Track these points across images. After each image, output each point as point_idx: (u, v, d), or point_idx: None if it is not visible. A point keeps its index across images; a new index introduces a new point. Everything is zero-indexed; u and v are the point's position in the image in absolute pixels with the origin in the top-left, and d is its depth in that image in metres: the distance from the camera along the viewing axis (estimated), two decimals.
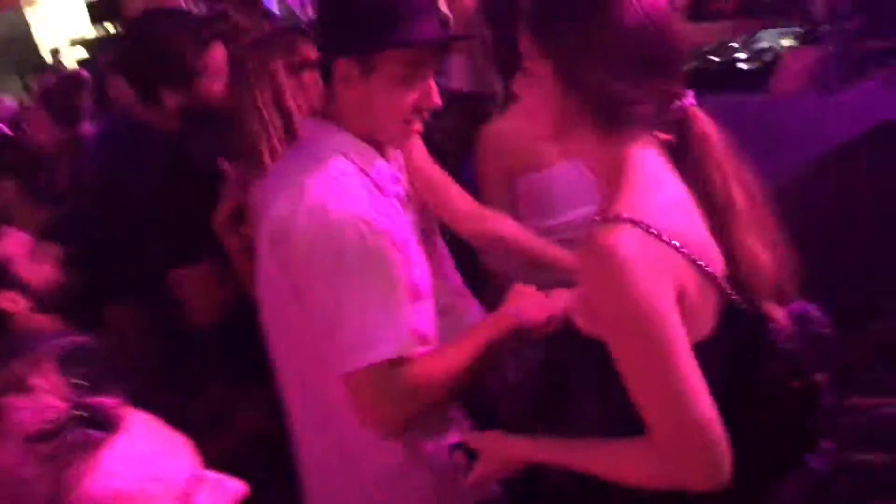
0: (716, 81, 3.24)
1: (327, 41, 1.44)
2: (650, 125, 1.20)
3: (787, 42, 3.23)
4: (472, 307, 1.94)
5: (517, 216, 2.05)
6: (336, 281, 1.32)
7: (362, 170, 1.43)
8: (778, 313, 1.23)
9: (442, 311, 1.59)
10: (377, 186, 1.44)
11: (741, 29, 3.47)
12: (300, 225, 1.34)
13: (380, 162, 1.47)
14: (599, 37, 1.15)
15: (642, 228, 1.10)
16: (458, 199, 1.90)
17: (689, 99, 1.21)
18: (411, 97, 1.42)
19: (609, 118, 1.18)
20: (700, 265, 1.14)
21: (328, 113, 1.48)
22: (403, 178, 1.58)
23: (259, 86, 1.70)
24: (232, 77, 1.86)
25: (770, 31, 3.32)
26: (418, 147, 1.83)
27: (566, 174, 2.03)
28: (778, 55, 3.18)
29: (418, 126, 1.46)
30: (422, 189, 1.81)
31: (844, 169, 2.81)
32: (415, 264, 1.46)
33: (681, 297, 1.11)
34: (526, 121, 1.28)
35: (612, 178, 1.19)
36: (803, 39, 3.19)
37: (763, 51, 3.23)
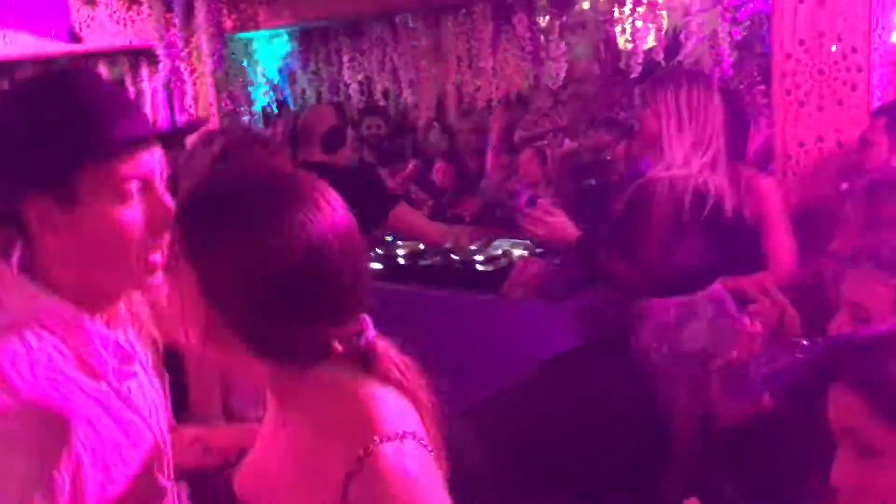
0: (455, 280, 3.43)
1: (2, 182, 1.07)
2: (324, 357, 1.04)
3: (518, 252, 3.51)
4: None
5: None
6: None
7: (64, 342, 1.08)
8: None
9: None
10: (84, 367, 1.09)
11: (480, 234, 3.74)
12: None
13: (97, 329, 1.12)
14: (247, 267, 0.98)
15: (416, 441, 1.01)
16: None
17: (370, 332, 1.06)
18: (135, 220, 1.09)
19: (264, 351, 1.03)
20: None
21: (29, 269, 1.11)
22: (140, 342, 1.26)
23: None
24: None
25: (504, 239, 3.61)
26: None
27: None
28: (511, 262, 3.43)
29: (155, 256, 1.12)
30: None
31: (563, 378, 3.00)
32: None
33: None
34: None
35: (302, 394, 1.05)
36: (532, 251, 3.49)
37: (498, 256, 3.47)
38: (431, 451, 1.03)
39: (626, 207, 2.69)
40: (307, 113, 3.71)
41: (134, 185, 1.08)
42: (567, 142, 3.73)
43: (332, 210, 1.03)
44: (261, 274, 0.98)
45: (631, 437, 2.80)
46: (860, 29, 2.84)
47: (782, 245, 2.72)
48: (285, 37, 4.43)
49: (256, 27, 4.16)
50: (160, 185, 1.12)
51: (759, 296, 2.11)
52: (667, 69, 3.19)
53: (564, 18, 3.53)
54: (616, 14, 3.38)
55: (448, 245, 3.40)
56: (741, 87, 3.21)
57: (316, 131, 3.33)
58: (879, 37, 2.90)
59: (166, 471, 1.22)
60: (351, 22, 4.18)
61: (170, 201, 1.11)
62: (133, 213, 1.09)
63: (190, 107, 4.51)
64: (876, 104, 2.89)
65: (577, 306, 3.12)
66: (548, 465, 2.56)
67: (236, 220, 1.01)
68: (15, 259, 1.10)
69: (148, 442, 1.16)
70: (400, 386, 1.06)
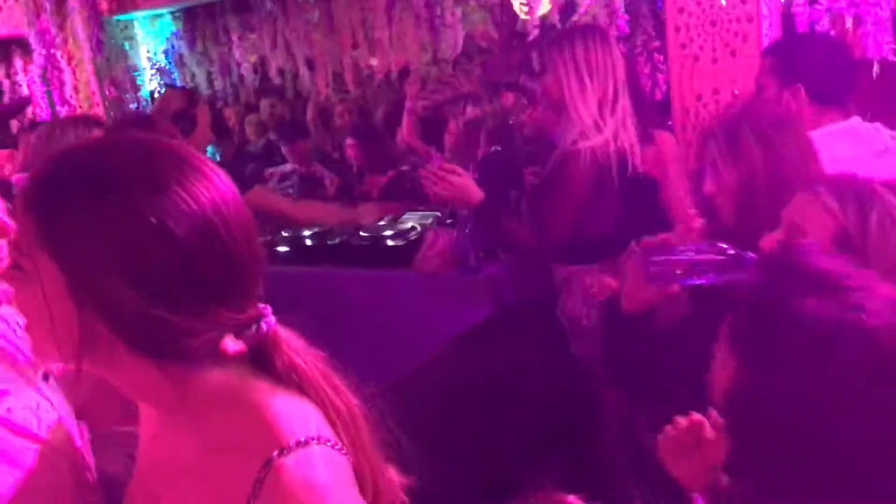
0: (365, 258, 3.34)
1: None
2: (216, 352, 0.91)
3: (429, 223, 3.45)
4: None
5: None
6: None
7: None
8: None
9: None
10: None
11: (388, 210, 3.66)
12: None
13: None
14: (141, 245, 0.83)
15: (323, 445, 0.90)
16: None
17: (270, 318, 0.94)
18: None
19: (150, 349, 0.88)
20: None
21: None
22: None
23: None
24: None
25: (414, 212, 3.54)
26: None
27: None
28: (421, 235, 3.36)
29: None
30: None
31: (480, 351, 2.96)
32: None
33: None
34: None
35: (191, 407, 0.92)
36: (443, 222, 3.43)
37: (407, 231, 3.40)
38: (341, 451, 0.92)
39: (547, 178, 2.67)
40: (157, 100, 3.63)
41: None
42: (469, 109, 3.69)
43: (218, 179, 0.90)
44: (144, 250, 0.83)
45: (555, 402, 2.79)
46: None
47: (682, 200, 2.74)
48: (168, 17, 4.21)
49: (135, 7, 3.93)
50: None
51: None
52: (560, 30, 3.16)
53: None
54: None
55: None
56: (637, 44, 3.22)
57: (164, 116, 3.27)
58: None
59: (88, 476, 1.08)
60: None
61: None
62: None
63: (71, 97, 4.23)
64: None
65: (491, 276, 3.09)
66: (469, 436, 2.53)
67: (107, 189, 0.84)
68: None
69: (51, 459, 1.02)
70: (300, 388, 0.93)
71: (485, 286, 3.10)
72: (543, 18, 3.32)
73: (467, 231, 3.12)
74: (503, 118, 3.67)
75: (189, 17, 4.17)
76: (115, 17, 4.10)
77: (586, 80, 2.55)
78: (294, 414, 0.90)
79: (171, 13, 4.16)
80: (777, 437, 1.02)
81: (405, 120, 4.19)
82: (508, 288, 3.14)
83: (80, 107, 4.22)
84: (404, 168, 4.05)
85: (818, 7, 2.90)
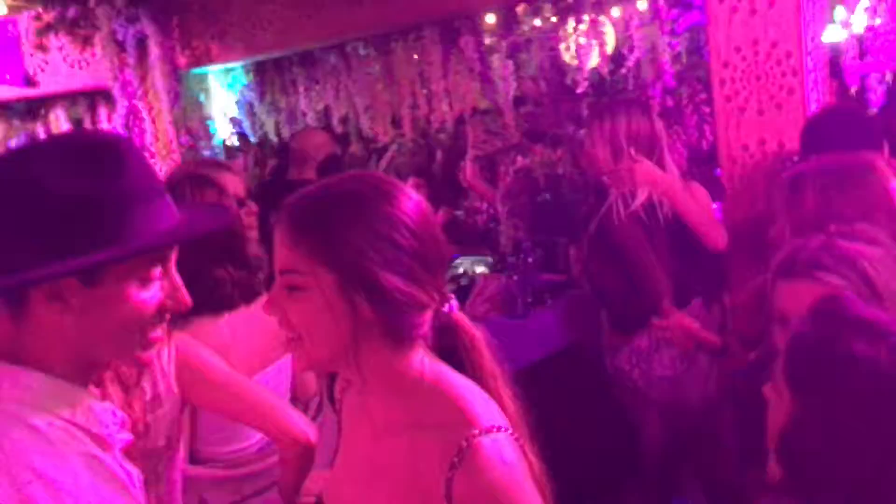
0: None
1: (12, 260, 1.01)
2: (427, 331, 1.16)
3: (479, 269, 3.56)
4: None
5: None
6: None
7: (75, 424, 1.05)
8: None
9: None
10: (96, 440, 1.07)
11: None
12: None
13: (98, 406, 1.10)
14: (385, 236, 1.09)
15: (507, 433, 1.10)
16: None
17: (454, 303, 1.19)
18: (152, 302, 1.10)
19: (400, 326, 1.12)
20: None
21: (11, 352, 1.05)
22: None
23: None
24: None
25: (465, 258, 3.66)
26: None
27: None
28: (473, 279, 3.48)
29: (156, 333, 1.13)
30: None
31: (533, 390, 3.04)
32: None
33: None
34: (302, 351, 1.13)
35: (405, 388, 1.15)
36: (493, 268, 3.54)
37: (460, 275, 3.52)
38: (518, 442, 1.11)
39: (594, 240, 2.79)
40: (301, 136, 3.75)
41: (157, 270, 1.11)
42: (520, 159, 3.80)
43: (409, 190, 1.17)
44: (395, 240, 1.09)
45: (597, 450, 2.84)
46: (792, 35, 2.93)
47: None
48: (240, 70, 4.47)
49: (210, 62, 4.20)
50: (174, 268, 1.15)
51: None
52: (602, 103, 3.28)
53: (510, 38, 3.60)
54: (560, 32, 3.46)
55: None
56: (684, 96, 3.29)
57: (312, 156, 3.42)
58: (811, 40, 3.00)
59: None
60: (303, 52, 4.23)
61: (186, 294, 1.16)
62: (152, 295, 1.10)
63: (151, 144, 4.53)
64: (814, 106, 2.98)
65: (540, 321, 3.18)
66: None
67: (358, 204, 1.11)
68: None
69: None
70: (475, 375, 1.17)
71: (532, 332, 3.19)
72: (592, 71, 3.43)
73: (516, 278, 3.23)
74: (552, 168, 3.77)
75: (259, 71, 4.43)
76: (192, 71, 4.38)
77: (626, 150, 2.68)
78: (481, 402, 1.13)
79: (243, 67, 4.42)
80: (832, 467, 1.14)
81: (468, 163, 4.33)
82: (556, 334, 3.21)
83: (159, 154, 4.50)
84: (458, 213, 4.17)
85: (868, 60, 2.94)
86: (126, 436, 1.15)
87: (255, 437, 1.99)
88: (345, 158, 5.56)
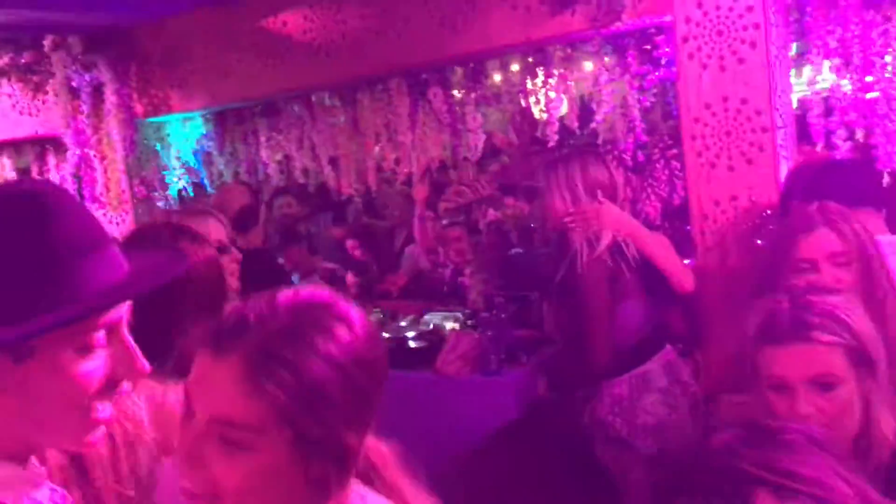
0: (390, 358, 3.36)
1: None
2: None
3: (450, 325, 3.48)
4: None
5: None
6: None
7: None
8: None
9: None
10: None
11: (408, 310, 3.70)
12: None
13: (39, 495, 0.97)
14: (335, 386, 0.96)
15: None
16: None
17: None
18: (97, 374, 0.94)
19: (347, 477, 1.01)
20: None
21: None
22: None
23: None
24: None
25: (435, 313, 3.57)
26: None
27: None
28: (442, 336, 3.39)
29: (106, 412, 0.97)
30: None
31: (507, 448, 2.95)
32: None
33: None
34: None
35: None
36: (464, 323, 3.46)
37: (429, 332, 3.43)
38: None
39: (561, 288, 2.75)
40: (218, 192, 3.68)
41: (101, 335, 0.94)
42: (491, 212, 3.77)
43: (358, 319, 1.02)
44: (339, 387, 0.96)
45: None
46: (762, 91, 2.97)
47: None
48: (199, 119, 4.36)
49: (169, 111, 4.08)
50: (124, 329, 0.98)
51: None
52: (556, 154, 3.30)
53: (479, 91, 3.59)
54: (529, 85, 3.45)
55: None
56: (655, 151, 3.31)
57: (227, 211, 3.29)
58: (779, 97, 3.04)
59: None
60: (267, 102, 4.15)
61: (142, 360, 0.98)
62: (95, 365, 0.94)
63: (101, 195, 4.36)
64: (783, 162, 3.02)
65: (514, 379, 3.10)
66: None
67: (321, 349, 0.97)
68: None
69: None
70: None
71: (507, 388, 3.11)
72: (562, 122, 3.42)
73: (489, 333, 3.15)
74: (523, 221, 3.75)
75: (219, 120, 4.32)
76: (149, 119, 4.25)
77: (584, 197, 2.69)
78: None
79: (202, 115, 4.31)
80: None
81: (416, 225, 4.29)
82: (531, 390, 3.14)
83: (111, 204, 4.33)
84: (424, 267, 4.11)
85: (832, 119, 2.99)
86: None
87: None
88: (292, 213, 5.47)
